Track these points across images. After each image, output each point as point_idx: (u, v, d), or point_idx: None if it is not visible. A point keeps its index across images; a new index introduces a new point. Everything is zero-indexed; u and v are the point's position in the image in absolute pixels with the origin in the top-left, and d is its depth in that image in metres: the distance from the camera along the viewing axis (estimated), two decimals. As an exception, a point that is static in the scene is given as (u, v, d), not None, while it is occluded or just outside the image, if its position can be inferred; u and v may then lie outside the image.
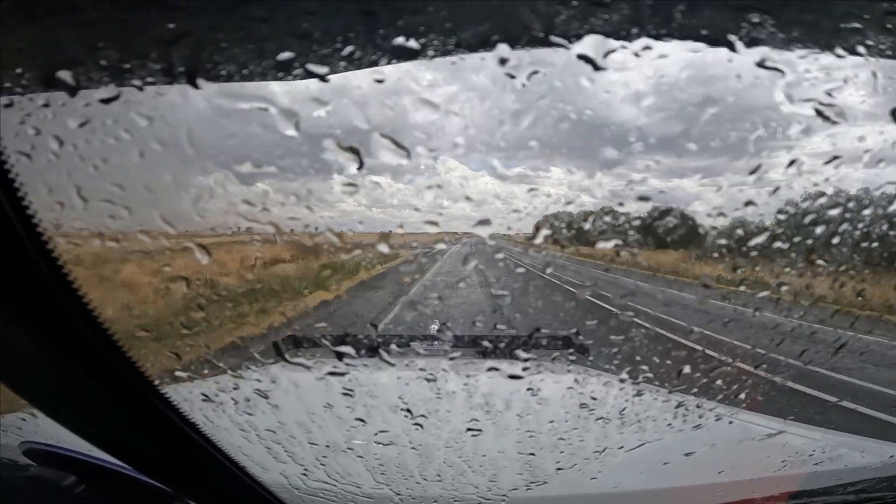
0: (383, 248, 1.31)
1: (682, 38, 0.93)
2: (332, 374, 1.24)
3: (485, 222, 1.19)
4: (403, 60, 0.98)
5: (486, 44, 0.95)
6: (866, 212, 1.24)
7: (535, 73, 1.00)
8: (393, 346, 1.42)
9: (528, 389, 1.29)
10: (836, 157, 1.13)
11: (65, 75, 0.72)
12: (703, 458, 1.08)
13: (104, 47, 0.79)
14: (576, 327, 1.61)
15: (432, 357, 1.47)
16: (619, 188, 1.42)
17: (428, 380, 1.34)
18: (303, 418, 1.08)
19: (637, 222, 1.31)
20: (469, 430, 1.07)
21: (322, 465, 0.92)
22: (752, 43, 0.95)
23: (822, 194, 1.19)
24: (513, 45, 0.94)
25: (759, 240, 1.22)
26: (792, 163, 1.13)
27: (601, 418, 1.18)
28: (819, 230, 1.23)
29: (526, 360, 1.48)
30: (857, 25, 0.89)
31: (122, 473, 0.72)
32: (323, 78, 0.93)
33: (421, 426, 1.08)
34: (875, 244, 1.27)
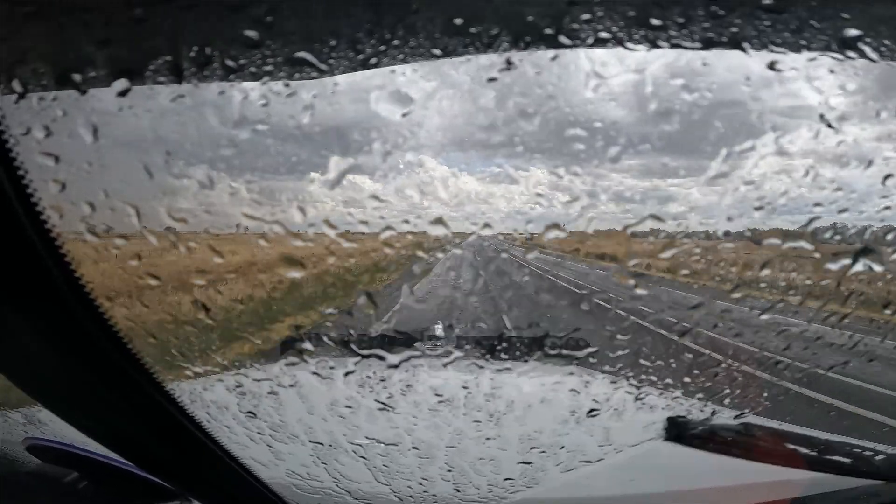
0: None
1: (681, 38, 0.93)
2: (335, 373, 1.24)
3: (472, 222, 1.18)
4: (399, 62, 0.99)
5: (476, 45, 0.96)
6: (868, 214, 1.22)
7: (520, 74, 1.01)
8: (396, 346, 1.42)
9: (531, 390, 1.29)
10: (839, 159, 1.13)
11: (75, 73, 0.73)
12: (706, 462, 1.08)
13: (113, 45, 0.79)
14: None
15: (435, 357, 1.47)
16: (605, 187, 1.42)
17: (431, 380, 1.34)
18: (305, 417, 1.08)
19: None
20: (471, 430, 1.07)
21: (324, 464, 0.92)
22: (757, 45, 0.95)
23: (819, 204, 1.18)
24: (498, 47, 0.95)
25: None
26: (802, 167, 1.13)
27: (603, 420, 1.17)
28: (827, 235, 1.22)
29: (529, 361, 1.48)
30: (865, 28, 0.89)
31: (125, 470, 0.72)
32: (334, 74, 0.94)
33: (423, 426, 1.08)
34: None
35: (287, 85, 1.00)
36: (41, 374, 0.50)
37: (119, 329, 0.47)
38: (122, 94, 0.81)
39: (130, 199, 0.92)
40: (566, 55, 0.99)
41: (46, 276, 0.42)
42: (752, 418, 1.20)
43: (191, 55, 0.89)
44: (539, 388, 1.31)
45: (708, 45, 0.94)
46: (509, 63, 0.96)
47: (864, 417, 3.43)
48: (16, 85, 0.70)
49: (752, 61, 0.96)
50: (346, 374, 1.24)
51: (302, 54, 0.93)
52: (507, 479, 0.91)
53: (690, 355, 1.38)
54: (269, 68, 0.95)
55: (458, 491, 0.88)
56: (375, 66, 1.00)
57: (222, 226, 1.17)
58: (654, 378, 1.24)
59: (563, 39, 0.92)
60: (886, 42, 0.92)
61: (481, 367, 1.48)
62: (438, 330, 1.64)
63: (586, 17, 0.88)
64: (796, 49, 0.94)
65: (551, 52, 0.98)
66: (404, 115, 1.13)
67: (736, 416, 1.13)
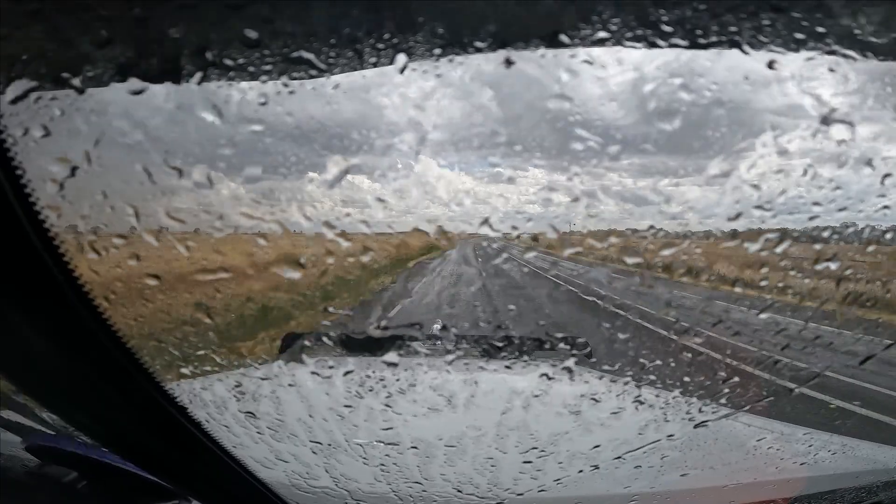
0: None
1: (680, 38, 0.93)
2: (334, 372, 1.24)
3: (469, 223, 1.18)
4: (399, 61, 0.99)
5: (473, 45, 0.96)
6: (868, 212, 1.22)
7: (518, 73, 1.01)
8: (395, 346, 1.42)
9: (530, 390, 1.29)
10: (838, 158, 1.13)
11: (73, 73, 0.73)
12: (705, 461, 1.08)
13: (112, 45, 0.79)
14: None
15: (435, 357, 1.47)
16: (604, 187, 1.42)
17: (430, 380, 1.34)
18: (305, 417, 1.08)
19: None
20: (471, 430, 1.07)
21: (323, 463, 0.92)
22: (756, 44, 0.95)
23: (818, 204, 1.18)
24: (498, 46, 0.95)
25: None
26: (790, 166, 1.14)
27: (602, 420, 1.17)
28: (826, 234, 1.22)
29: (528, 361, 1.48)
30: (864, 27, 0.89)
31: (125, 470, 0.72)
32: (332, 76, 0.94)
33: (423, 426, 1.08)
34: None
35: (286, 85, 1.00)
36: (40, 373, 0.50)
37: (118, 328, 0.47)
38: (135, 93, 0.81)
39: (129, 198, 0.91)
40: (565, 54, 0.99)
41: (45, 275, 0.41)
42: (748, 418, 1.20)
43: (190, 55, 0.88)
44: (538, 388, 1.31)
45: (707, 44, 0.94)
46: (508, 62, 0.96)
47: (862, 416, 3.44)
48: (14, 85, 0.70)
49: (751, 61, 0.96)
50: (346, 373, 1.24)
51: (301, 54, 0.93)
52: (506, 478, 0.91)
53: (689, 354, 1.38)
54: (268, 68, 0.95)
55: (458, 491, 0.88)
56: (375, 65, 1.00)
57: (221, 226, 1.17)
58: (653, 377, 1.25)
59: (562, 38, 0.92)
60: (885, 41, 0.92)
61: (481, 367, 1.48)
62: (437, 329, 1.64)
63: (585, 16, 0.88)
64: (795, 48, 0.95)
65: (550, 52, 0.98)
66: (401, 115, 1.13)
67: (733, 414, 1.13)
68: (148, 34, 0.82)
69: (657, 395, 1.22)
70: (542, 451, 1.00)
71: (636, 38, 0.93)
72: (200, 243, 1.15)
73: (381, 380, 1.27)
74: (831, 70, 0.99)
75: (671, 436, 1.06)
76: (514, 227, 1.27)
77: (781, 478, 0.97)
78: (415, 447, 1.00)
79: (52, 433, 0.81)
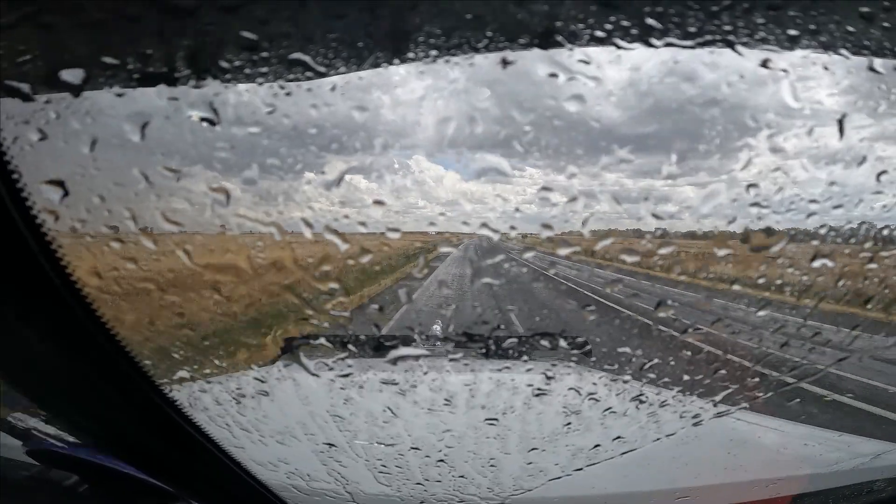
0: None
1: (676, 37, 0.93)
2: (334, 374, 1.24)
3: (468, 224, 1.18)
4: (396, 62, 0.99)
5: (470, 46, 0.96)
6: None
7: (515, 73, 1.01)
8: (395, 347, 1.42)
9: (530, 389, 1.29)
10: (834, 156, 1.14)
11: (68, 75, 0.73)
12: (706, 460, 1.08)
13: (108, 47, 0.79)
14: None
15: (435, 358, 1.47)
16: (601, 187, 1.42)
17: (430, 380, 1.34)
18: (305, 418, 1.08)
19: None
20: (471, 430, 1.07)
21: (323, 465, 0.92)
22: (750, 43, 0.95)
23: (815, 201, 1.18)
24: (494, 46, 0.95)
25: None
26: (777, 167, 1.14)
27: (603, 419, 1.18)
28: (823, 232, 1.23)
29: (528, 360, 1.48)
30: (859, 26, 0.90)
31: (125, 473, 0.72)
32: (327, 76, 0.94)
33: (423, 426, 1.08)
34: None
35: (283, 87, 1.00)
36: (40, 378, 0.50)
37: (117, 332, 0.47)
38: (131, 96, 0.81)
39: (125, 201, 0.91)
40: (562, 54, 0.99)
41: (43, 279, 0.42)
42: (749, 416, 1.21)
43: (186, 57, 0.88)
44: (538, 387, 1.31)
45: (702, 43, 0.94)
46: (505, 62, 0.97)
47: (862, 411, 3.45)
48: (9, 87, 0.70)
49: (746, 60, 0.96)
50: (345, 375, 1.24)
51: (298, 55, 0.93)
52: (506, 478, 0.92)
53: (689, 352, 1.38)
54: (264, 69, 0.95)
55: (458, 491, 0.88)
56: (372, 66, 1.00)
57: (218, 228, 1.17)
58: (652, 375, 1.25)
59: (558, 38, 0.92)
60: (880, 39, 0.93)
61: (481, 367, 1.49)
62: (437, 330, 1.64)
63: (581, 15, 0.89)
64: (789, 47, 0.95)
65: (547, 52, 0.98)
66: (397, 115, 1.13)
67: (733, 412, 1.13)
68: (143, 36, 0.82)
69: (657, 394, 1.22)
70: (543, 450, 1.00)
71: (632, 38, 0.93)
72: (197, 245, 1.15)
73: (382, 381, 1.27)
74: (826, 68, 0.99)
75: (671, 434, 1.06)
76: (513, 227, 1.27)
77: (783, 475, 0.97)
78: (415, 448, 1.00)
79: (53, 437, 0.81)
